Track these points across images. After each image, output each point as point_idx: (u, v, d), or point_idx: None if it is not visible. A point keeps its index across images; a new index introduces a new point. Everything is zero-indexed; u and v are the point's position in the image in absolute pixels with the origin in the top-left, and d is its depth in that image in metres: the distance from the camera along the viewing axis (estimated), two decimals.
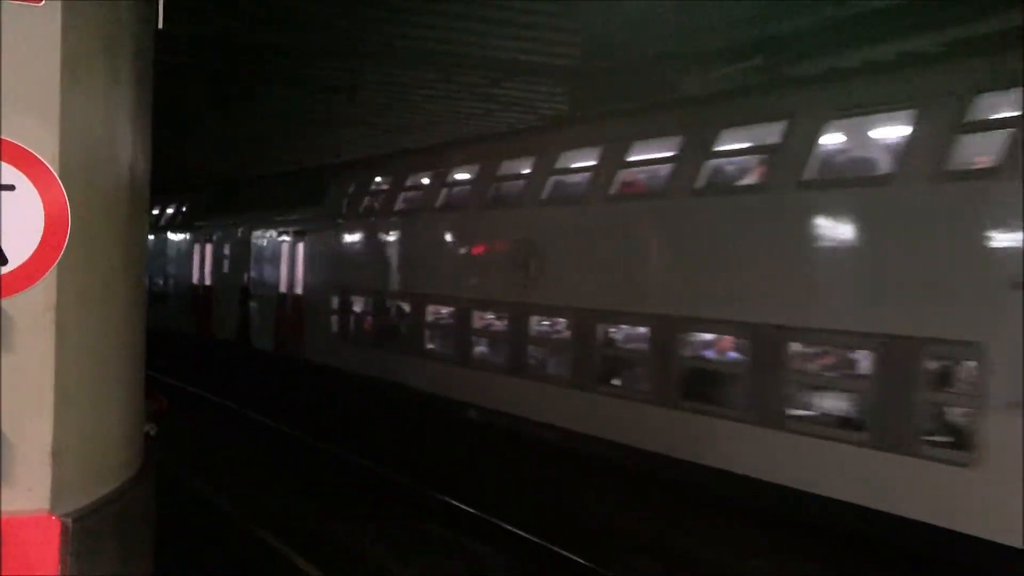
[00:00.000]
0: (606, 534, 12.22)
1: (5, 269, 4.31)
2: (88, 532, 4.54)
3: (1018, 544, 8.58)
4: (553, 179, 15.30)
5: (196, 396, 21.87)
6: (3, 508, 4.32)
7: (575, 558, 10.90)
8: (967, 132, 9.87)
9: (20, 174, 4.33)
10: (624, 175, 14.02)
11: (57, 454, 4.50)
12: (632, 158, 13.85)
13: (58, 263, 4.42)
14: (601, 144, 14.32)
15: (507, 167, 16.56)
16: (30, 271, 4.36)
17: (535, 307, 15.17)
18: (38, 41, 4.42)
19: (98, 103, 4.81)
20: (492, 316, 16.61)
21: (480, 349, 16.94)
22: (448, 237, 17.96)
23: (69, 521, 4.47)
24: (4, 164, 4.29)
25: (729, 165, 12.87)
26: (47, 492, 4.46)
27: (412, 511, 13.39)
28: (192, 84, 20.55)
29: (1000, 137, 9.46)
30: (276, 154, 30.73)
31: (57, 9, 4.44)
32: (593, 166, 14.39)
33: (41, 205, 4.37)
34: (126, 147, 5.10)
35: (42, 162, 4.36)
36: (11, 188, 4.31)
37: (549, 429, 14.40)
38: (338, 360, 21.48)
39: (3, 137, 4.28)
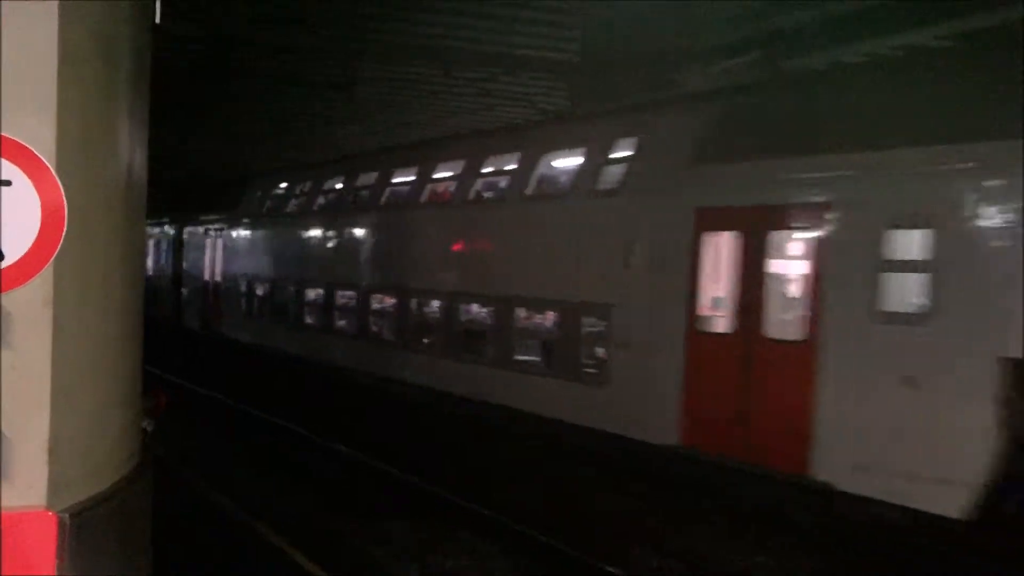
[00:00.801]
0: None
1: (2, 265, 4.31)
2: (86, 528, 4.54)
3: (632, 435, 13.45)
4: (428, 187, 19.82)
5: None
6: (1, 504, 4.33)
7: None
8: (607, 165, 15.29)
9: (17, 170, 4.33)
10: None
11: (54, 450, 4.50)
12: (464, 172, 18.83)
13: (55, 259, 4.43)
14: (462, 159, 19.05)
15: (376, 178, 21.29)
16: (27, 267, 4.37)
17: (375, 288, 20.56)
18: (36, 37, 4.42)
19: (95, 99, 4.80)
20: (345, 296, 21.79)
21: (339, 323, 22.08)
22: (326, 235, 22.89)
23: (66, 517, 4.47)
24: (1, 160, 4.29)
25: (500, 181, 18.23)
26: (44, 488, 4.47)
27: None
28: (189, 81, 20.53)
29: (621, 168, 14.88)
30: (274, 151, 30.70)
31: (55, 6, 4.44)
32: (456, 176, 19.19)
33: (38, 201, 4.38)
34: (123, 143, 5.09)
35: (39, 158, 4.37)
36: (8, 184, 4.31)
37: (417, 388, 18.63)
38: (245, 335, 27.30)
39: (0, 133, 4.28)
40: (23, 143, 4.34)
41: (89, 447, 4.80)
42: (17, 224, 4.34)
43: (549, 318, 15.75)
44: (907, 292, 10.76)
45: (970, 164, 10.13)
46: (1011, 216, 9.61)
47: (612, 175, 15.04)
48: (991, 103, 10.20)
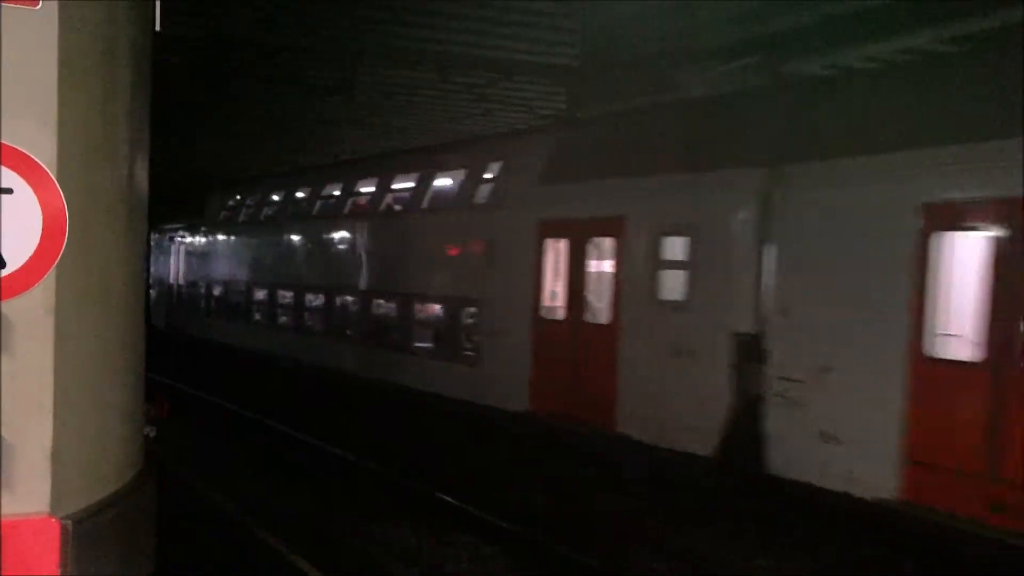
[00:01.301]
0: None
1: (3, 272, 4.31)
2: (89, 534, 4.54)
3: (497, 404, 16.61)
4: (350, 200, 22.90)
5: None
6: (3, 511, 4.32)
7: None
8: (480, 183, 18.74)
9: (17, 177, 4.33)
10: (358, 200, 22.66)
11: (57, 456, 4.49)
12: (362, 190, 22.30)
13: (56, 266, 4.42)
14: (376, 177, 22.29)
15: (309, 192, 24.73)
16: (28, 274, 4.37)
17: (308, 287, 23.72)
18: (35, 44, 4.41)
19: (96, 105, 4.80)
20: (285, 296, 24.97)
21: (280, 319, 25.45)
22: (269, 242, 26.31)
23: (69, 523, 4.46)
24: (1, 168, 4.29)
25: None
26: (47, 494, 4.46)
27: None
28: (189, 85, 20.54)
29: (489, 187, 18.08)
30: (273, 155, 30.71)
31: (54, 11, 4.43)
32: (370, 191, 22.36)
33: (39, 208, 4.38)
34: (124, 149, 5.09)
35: (40, 165, 4.36)
36: (8, 192, 4.31)
37: (341, 374, 21.62)
38: (202, 331, 30.73)
39: (0, 140, 4.28)
40: (23, 150, 4.33)
41: (92, 453, 4.80)
42: (18, 232, 4.34)
43: (438, 311, 18.95)
44: (675, 285, 13.85)
45: (712, 187, 13.27)
46: (741, 227, 12.73)
47: (483, 192, 18.38)
48: (730, 139, 13.41)
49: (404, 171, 21.06)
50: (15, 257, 4.34)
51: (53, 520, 4.44)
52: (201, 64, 19.19)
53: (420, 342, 19.39)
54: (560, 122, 17.37)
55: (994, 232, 9.80)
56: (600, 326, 14.75)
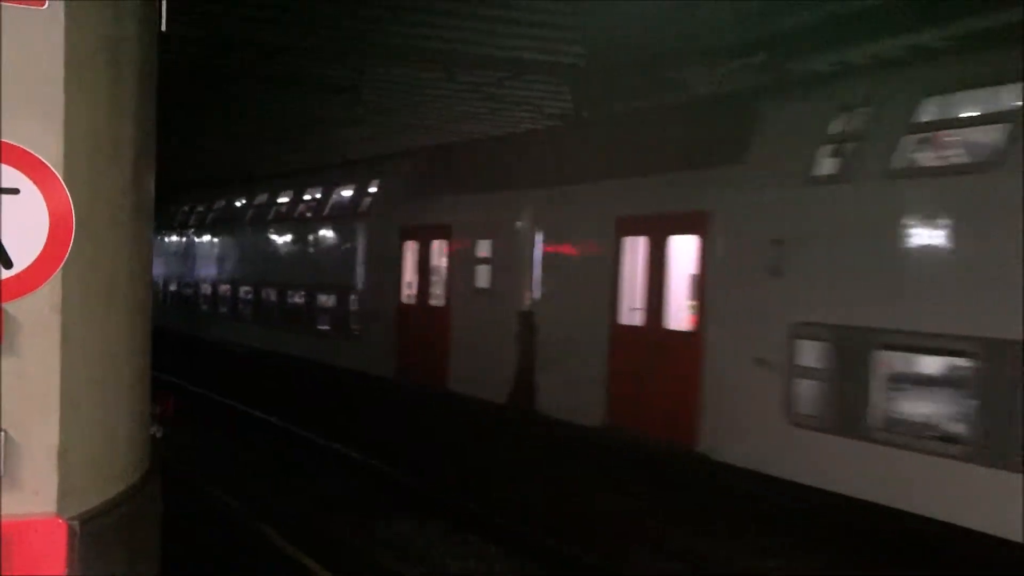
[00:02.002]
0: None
1: (10, 272, 4.31)
2: (95, 535, 4.54)
3: (373, 372, 20.05)
4: (273, 208, 26.77)
5: None
6: (10, 511, 4.33)
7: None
8: (363, 197, 22.59)
9: (24, 177, 4.33)
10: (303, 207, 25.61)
11: (63, 456, 4.50)
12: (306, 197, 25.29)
13: (63, 266, 4.43)
14: (293, 189, 26.00)
15: (244, 200, 28.50)
16: (35, 274, 4.37)
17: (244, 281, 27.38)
18: (41, 44, 4.42)
19: (102, 105, 4.80)
20: (222, 289, 28.85)
21: (220, 309, 29.12)
22: (212, 243, 30.06)
23: (76, 524, 4.47)
24: (8, 167, 4.29)
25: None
26: (53, 495, 4.47)
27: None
28: (194, 85, 20.55)
29: (369, 199, 21.89)
30: (279, 155, 30.74)
31: (60, 12, 4.43)
32: (287, 201, 26.16)
33: (45, 208, 4.38)
34: (130, 149, 5.09)
35: (46, 165, 4.37)
36: (15, 192, 4.31)
37: (267, 353, 25.17)
38: (162, 321, 35.58)
39: (7, 140, 4.28)
40: (30, 150, 4.34)
41: (98, 454, 4.80)
42: (25, 232, 4.34)
43: (334, 299, 22.18)
44: (484, 276, 17.29)
45: (504, 203, 16.95)
46: (520, 234, 16.24)
47: (365, 204, 21.94)
48: (520, 169, 17.06)
49: (313, 185, 25.29)
50: (22, 257, 4.34)
51: (60, 520, 4.44)
52: (204, 64, 19.22)
53: (320, 324, 23.08)
54: (419, 150, 22.11)
55: (649, 236, 13.62)
56: (439, 308, 18.41)
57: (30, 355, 4.39)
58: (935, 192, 9.68)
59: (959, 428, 9.09)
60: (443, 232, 18.21)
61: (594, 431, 13.81)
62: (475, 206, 17.60)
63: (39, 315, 4.42)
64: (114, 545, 4.77)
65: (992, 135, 9.74)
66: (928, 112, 10.23)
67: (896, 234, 9.80)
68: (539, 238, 15.75)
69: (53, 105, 4.44)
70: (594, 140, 15.98)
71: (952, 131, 10.46)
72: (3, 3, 4.27)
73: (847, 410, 10.23)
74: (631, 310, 13.79)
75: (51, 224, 4.38)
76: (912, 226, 9.72)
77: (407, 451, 17.00)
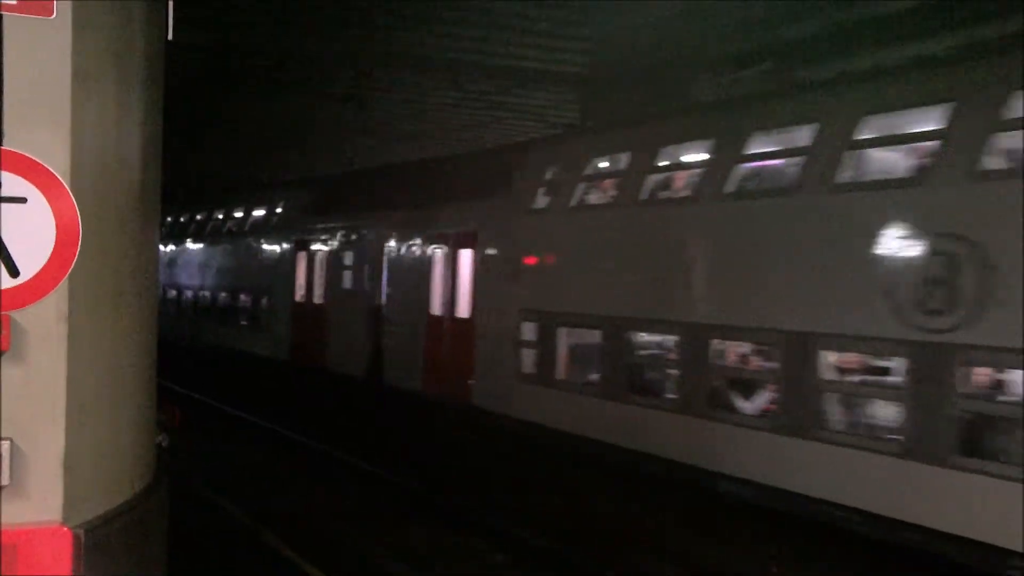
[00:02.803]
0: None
1: (17, 281, 4.31)
2: (100, 543, 4.54)
3: (278, 357, 23.34)
4: (209, 224, 29.82)
5: None
6: (16, 519, 4.32)
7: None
8: (271, 216, 25.66)
9: (31, 186, 4.33)
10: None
11: (69, 465, 4.50)
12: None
13: (70, 275, 4.42)
14: (225, 207, 29.08)
15: (187, 217, 31.53)
16: (42, 283, 4.37)
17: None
18: (49, 53, 4.43)
19: (109, 114, 4.82)
20: (172, 293, 31.24)
21: (168, 310, 30.57)
22: (180, 253, 32.13)
23: (81, 532, 4.47)
24: (15, 176, 4.29)
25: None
26: (59, 503, 4.47)
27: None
28: (202, 94, 20.60)
29: (276, 218, 25.24)
30: (286, 163, 30.82)
31: (68, 21, 4.44)
32: (220, 217, 29.13)
33: (52, 217, 4.38)
34: (137, 158, 5.11)
35: (53, 174, 4.37)
36: (23, 200, 4.31)
37: (206, 346, 28.39)
38: None
39: (14, 149, 4.29)
40: (37, 160, 4.34)
41: (104, 462, 4.81)
42: (32, 241, 4.34)
43: (252, 299, 25.83)
44: (347, 279, 21.27)
45: (356, 225, 20.78)
46: (371, 246, 19.94)
47: (273, 222, 25.38)
48: (368, 198, 21.23)
49: (239, 204, 28.86)
50: (29, 266, 4.34)
51: (65, 529, 4.44)
52: (210, 72, 19.26)
53: (241, 321, 26.65)
54: (316, 178, 26.36)
55: (447, 249, 17.17)
56: (320, 305, 22.15)
57: (36, 364, 4.39)
58: (584, 223, 14.36)
59: (598, 376, 13.55)
60: (323, 244, 22.70)
61: (417, 395, 18.15)
62: (341, 225, 22.17)
63: (46, 324, 4.42)
64: (119, 553, 4.77)
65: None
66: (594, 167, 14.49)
67: (569, 251, 14.51)
68: (384, 250, 19.66)
69: (60, 114, 4.45)
70: (418, 176, 20.60)
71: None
72: (11, 13, 4.28)
73: (544, 368, 14.34)
74: (438, 304, 17.57)
75: (58, 233, 4.38)
76: (582, 247, 14.15)
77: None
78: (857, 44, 13.53)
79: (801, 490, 10.32)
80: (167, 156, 5.86)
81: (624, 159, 13.69)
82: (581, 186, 14.21)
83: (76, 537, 4.44)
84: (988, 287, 8.73)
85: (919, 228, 9.48)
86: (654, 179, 12.98)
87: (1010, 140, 9.07)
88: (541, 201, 14.86)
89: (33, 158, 4.33)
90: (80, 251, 4.43)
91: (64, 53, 4.46)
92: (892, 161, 10.55)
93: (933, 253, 9.22)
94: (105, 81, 4.76)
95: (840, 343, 10.28)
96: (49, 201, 4.36)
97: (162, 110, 5.68)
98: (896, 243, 9.62)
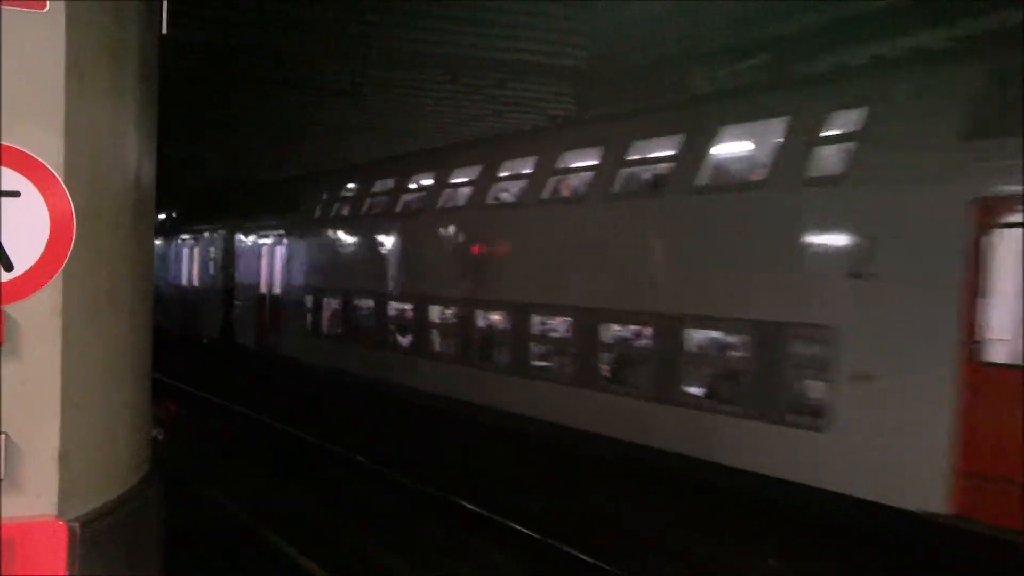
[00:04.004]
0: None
1: (11, 275, 4.31)
2: (95, 537, 4.55)
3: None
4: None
5: None
6: (11, 513, 4.33)
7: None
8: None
9: (25, 180, 4.33)
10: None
11: (64, 459, 4.50)
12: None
13: (64, 268, 4.42)
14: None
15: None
16: (36, 277, 4.37)
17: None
18: (42, 47, 4.42)
19: (103, 108, 4.81)
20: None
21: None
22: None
23: (76, 526, 4.47)
24: (9, 170, 4.29)
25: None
26: (54, 497, 4.47)
27: None
28: (197, 89, 20.57)
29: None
30: (283, 158, 30.80)
31: (61, 15, 4.44)
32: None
33: (46, 211, 4.38)
34: (131, 152, 5.10)
35: (47, 168, 4.36)
36: (16, 194, 4.31)
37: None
38: None
39: (8, 143, 4.28)
40: (31, 154, 4.33)
41: (99, 456, 4.81)
42: (26, 235, 4.34)
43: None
44: (214, 269, 28.76)
45: (221, 229, 28.35)
46: (230, 246, 27.67)
47: (167, 225, 31.14)
48: (264, 205, 26.21)
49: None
50: (23, 260, 4.34)
51: (60, 523, 4.44)
52: (208, 68, 19.22)
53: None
54: (193, 189, 31.96)
55: (269, 246, 25.04)
56: (194, 287, 29.34)
57: (31, 358, 4.40)
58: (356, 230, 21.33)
59: (342, 329, 20.96)
60: (196, 242, 29.97)
61: (253, 350, 24.64)
62: (208, 227, 28.65)
63: (40, 318, 4.42)
64: (115, 547, 4.77)
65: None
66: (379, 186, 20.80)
67: (330, 248, 21.92)
68: (236, 248, 26.45)
69: (54, 108, 4.44)
70: (254, 193, 27.99)
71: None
72: (4, 5, 4.27)
73: (318, 326, 22.01)
74: (264, 284, 24.56)
75: (52, 227, 4.38)
76: (337, 246, 21.76)
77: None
78: (854, 38, 13.53)
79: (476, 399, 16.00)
80: (164, 151, 5.85)
81: (344, 193, 22.06)
82: (337, 205, 21.95)
83: (71, 531, 4.45)
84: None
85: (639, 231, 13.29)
86: (369, 202, 20.56)
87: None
88: (318, 214, 22.51)
89: (27, 152, 4.32)
90: (74, 245, 4.43)
91: (58, 46, 4.44)
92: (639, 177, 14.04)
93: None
94: (99, 75, 4.75)
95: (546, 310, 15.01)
96: (43, 195, 4.36)
97: (157, 104, 5.67)
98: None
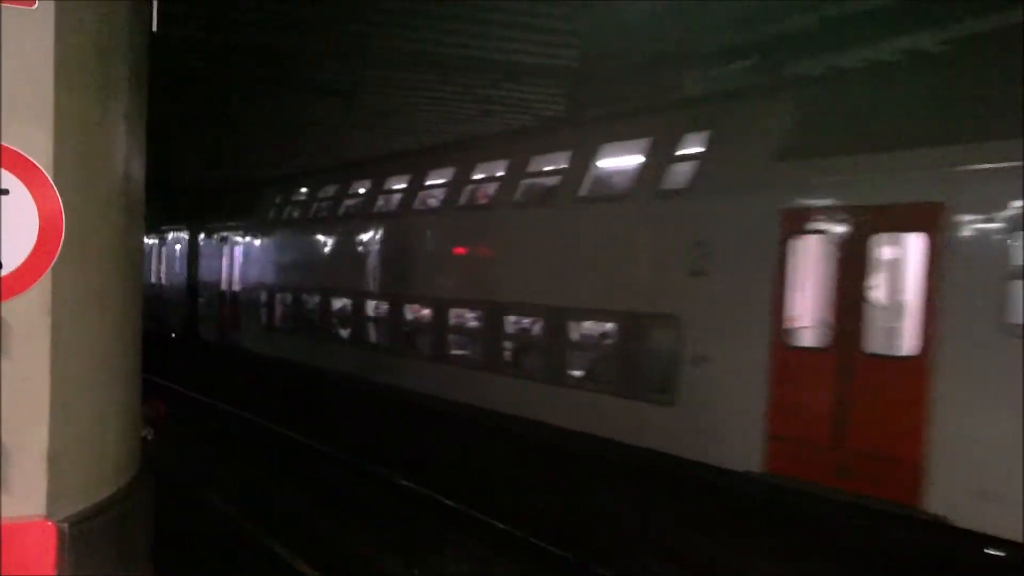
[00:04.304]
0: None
1: (0, 274, 4.28)
2: (85, 537, 4.53)
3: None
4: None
5: None
6: (0, 513, 4.31)
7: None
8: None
9: (14, 178, 4.31)
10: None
11: (54, 459, 4.48)
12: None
13: (53, 267, 4.40)
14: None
15: None
16: (25, 276, 4.35)
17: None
18: (32, 44, 4.39)
19: (93, 106, 4.78)
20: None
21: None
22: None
23: (66, 526, 4.45)
24: None
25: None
26: (44, 497, 4.45)
27: None
28: (187, 87, 20.50)
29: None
30: (275, 158, 30.72)
31: (51, 12, 4.41)
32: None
33: (35, 209, 4.36)
34: (121, 151, 5.07)
35: (36, 166, 4.35)
36: (5, 192, 4.29)
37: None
38: None
39: None
40: (20, 151, 4.31)
41: (88, 456, 4.79)
42: (15, 233, 4.32)
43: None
44: (182, 266, 31.33)
45: (187, 231, 31.48)
46: (193, 245, 30.54)
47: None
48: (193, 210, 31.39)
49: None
50: (11, 258, 4.32)
51: (49, 523, 4.42)
52: (202, 66, 19.16)
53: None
54: (165, 194, 31.67)
55: (226, 245, 27.97)
56: (163, 284, 32.36)
57: (20, 357, 4.37)
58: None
59: (282, 321, 23.95)
60: (165, 242, 32.07)
61: (214, 344, 26.81)
62: (175, 228, 31.24)
63: (29, 317, 4.40)
64: (104, 547, 4.75)
65: None
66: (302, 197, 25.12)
67: (274, 248, 24.98)
68: (200, 248, 29.10)
69: (43, 106, 4.41)
70: (215, 197, 30.17)
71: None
72: None
73: (271, 320, 24.13)
74: (224, 281, 26.99)
75: (41, 225, 4.36)
76: (281, 246, 24.86)
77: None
78: (848, 39, 13.54)
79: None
80: (155, 151, 5.83)
81: (293, 197, 24.93)
82: (288, 208, 24.69)
83: (60, 531, 4.43)
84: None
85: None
86: (315, 207, 23.40)
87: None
88: (271, 216, 25.05)
89: (15, 149, 4.30)
90: (63, 243, 4.41)
91: (47, 44, 4.42)
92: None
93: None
94: (89, 72, 4.73)
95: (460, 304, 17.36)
96: (32, 193, 4.34)
97: (147, 103, 5.65)
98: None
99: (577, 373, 14.57)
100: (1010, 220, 9.17)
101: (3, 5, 4.28)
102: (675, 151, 13.06)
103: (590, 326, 14.80)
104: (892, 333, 10.72)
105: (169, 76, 17.40)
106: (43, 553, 4.39)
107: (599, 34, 16.46)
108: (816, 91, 12.04)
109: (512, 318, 16.11)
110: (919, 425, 9.71)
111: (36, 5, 4.37)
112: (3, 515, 4.32)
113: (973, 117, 9.93)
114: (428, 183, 19.12)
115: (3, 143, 4.27)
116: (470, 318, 17.63)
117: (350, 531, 13.03)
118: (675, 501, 12.64)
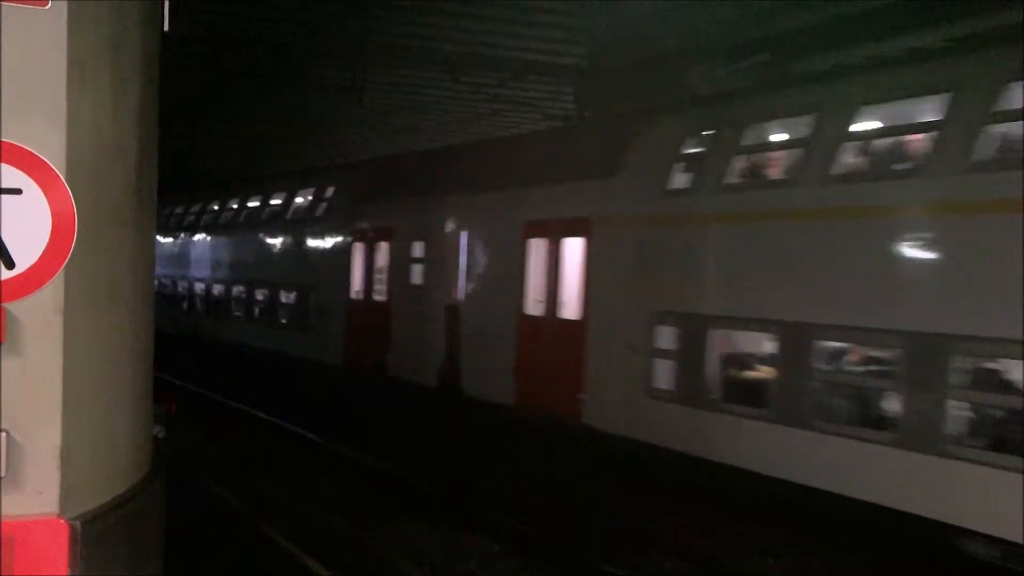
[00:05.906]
0: None
1: (12, 273, 4.29)
2: (97, 535, 4.53)
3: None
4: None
5: None
6: (12, 511, 4.31)
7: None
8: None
9: (26, 177, 4.31)
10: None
11: (66, 457, 4.48)
12: None
13: (65, 266, 4.41)
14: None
15: None
16: (38, 274, 4.36)
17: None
18: (44, 44, 4.40)
19: (105, 105, 4.79)
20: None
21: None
22: None
23: (78, 524, 4.45)
24: (10, 168, 4.27)
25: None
26: (56, 495, 4.45)
27: None
28: (199, 85, 20.55)
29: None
30: (284, 155, 30.78)
31: (63, 11, 4.42)
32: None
33: (48, 208, 4.36)
34: (133, 149, 5.08)
35: (48, 165, 4.35)
36: (17, 192, 4.29)
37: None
38: None
39: (9, 140, 4.27)
40: (32, 151, 4.32)
41: (101, 454, 4.79)
42: (27, 232, 4.32)
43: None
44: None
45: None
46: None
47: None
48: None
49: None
50: (24, 257, 4.32)
51: (62, 521, 4.43)
52: (208, 64, 19.20)
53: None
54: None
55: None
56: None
57: (32, 356, 4.38)
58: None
59: (263, 315, 25.78)
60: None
61: (171, 332, 26.94)
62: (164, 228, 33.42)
63: (41, 315, 4.40)
64: (116, 545, 4.76)
65: None
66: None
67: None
68: (167, 244, 31.03)
69: (55, 105, 4.42)
70: (181, 194, 31.51)
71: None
72: (6, 3, 4.25)
73: (251, 313, 26.34)
74: (185, 276, 30.28)
75: (53, 224, 4.36)
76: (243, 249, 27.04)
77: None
78: (854, 36, 13.51)
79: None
80: (165, 148, 5.84)
81: (233, 200, 28.03)
82: (229, 210, 27.92)
83: (73, 529, 4.43)
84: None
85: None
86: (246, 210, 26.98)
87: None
88: (221, 217, 28.24)
89: (28, 149, 4.31)
90: (76, 242, 4.41)
91: (59, 43, 4.43)
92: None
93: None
94: (101, 71, 4.73)
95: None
96: (44, 192, 4.35)
97: (159, 101, 5.66)
98: None
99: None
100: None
101: (15, 5, 4.29)
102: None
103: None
104: (570, 304, 15.44)
105: (180, 71, 17.41)
106: (56, 551, 4.40)
107: (607, 31, 16.45)
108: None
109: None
110: (581, 366, 14.84)
111: (48, 5, 4.37)
112: (15, 513, 4.32)
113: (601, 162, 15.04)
114: (300, 200, 24.20)
115: (16, 142, 4.28)
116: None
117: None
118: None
